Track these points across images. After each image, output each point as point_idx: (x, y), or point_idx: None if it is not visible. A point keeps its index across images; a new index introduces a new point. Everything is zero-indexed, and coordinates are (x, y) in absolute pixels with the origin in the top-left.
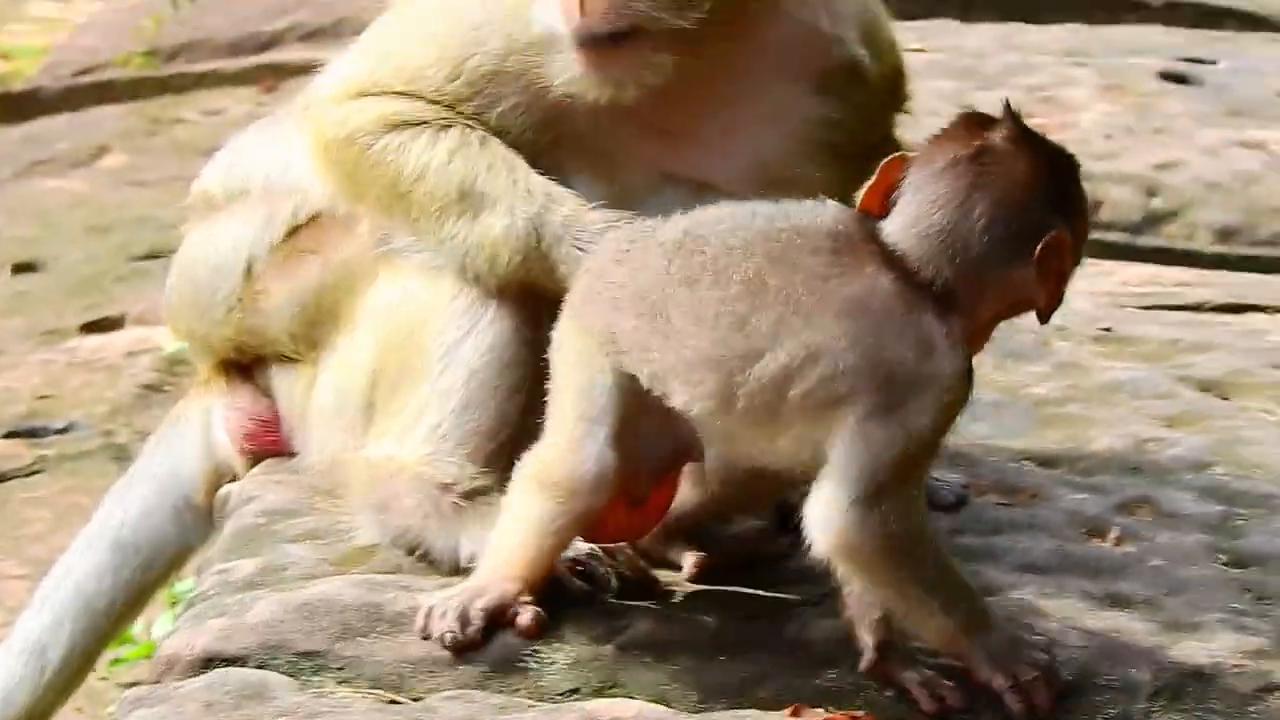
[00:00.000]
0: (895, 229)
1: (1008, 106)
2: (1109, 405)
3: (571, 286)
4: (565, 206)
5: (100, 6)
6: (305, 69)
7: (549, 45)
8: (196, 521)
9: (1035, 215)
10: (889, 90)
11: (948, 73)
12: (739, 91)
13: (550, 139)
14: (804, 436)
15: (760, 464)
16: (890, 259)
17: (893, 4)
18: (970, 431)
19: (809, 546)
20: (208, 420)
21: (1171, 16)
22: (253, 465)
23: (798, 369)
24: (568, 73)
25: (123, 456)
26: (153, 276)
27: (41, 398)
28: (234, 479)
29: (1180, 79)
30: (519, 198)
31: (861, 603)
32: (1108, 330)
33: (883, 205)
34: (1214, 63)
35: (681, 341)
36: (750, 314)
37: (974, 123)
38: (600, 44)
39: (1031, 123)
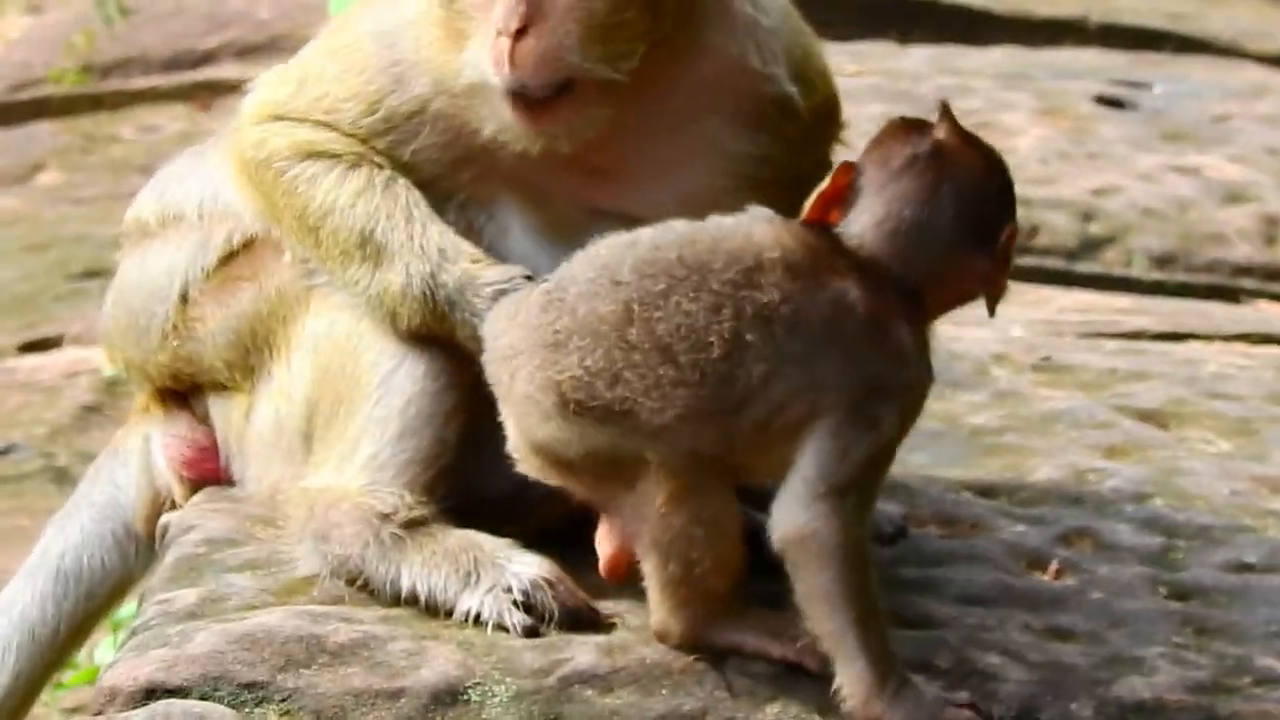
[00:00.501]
0: (861, 229)
1: (945, 107)
2: (1048, 435)
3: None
4: (459, 265)
5: (32, 22)
6: (240, 86)
7: (479, 94)
8: (138, 550)
9: (995, 206)
10: (821, 122)
11: (883, 96)
12: (669, 128)
13: (474, 174)
14: (785, 454)
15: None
16: (854, 264)
17: (832, 25)
18: (909, 461)
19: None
20: (146, 448)
21: (1109, 39)
22: (192, 493)
23: (783, 403)
24: (499, 122)
25: (63, 479)
26: (90, 296)
27: None
28: (174, 507)
29: (1117, 103)
30: (414, 255)
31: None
32: (1046, 359)
33: (833, 214)
34: (1150, 86)
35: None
36: (735, 369)
37: (912, 126)
38: (533, 99)
39: None
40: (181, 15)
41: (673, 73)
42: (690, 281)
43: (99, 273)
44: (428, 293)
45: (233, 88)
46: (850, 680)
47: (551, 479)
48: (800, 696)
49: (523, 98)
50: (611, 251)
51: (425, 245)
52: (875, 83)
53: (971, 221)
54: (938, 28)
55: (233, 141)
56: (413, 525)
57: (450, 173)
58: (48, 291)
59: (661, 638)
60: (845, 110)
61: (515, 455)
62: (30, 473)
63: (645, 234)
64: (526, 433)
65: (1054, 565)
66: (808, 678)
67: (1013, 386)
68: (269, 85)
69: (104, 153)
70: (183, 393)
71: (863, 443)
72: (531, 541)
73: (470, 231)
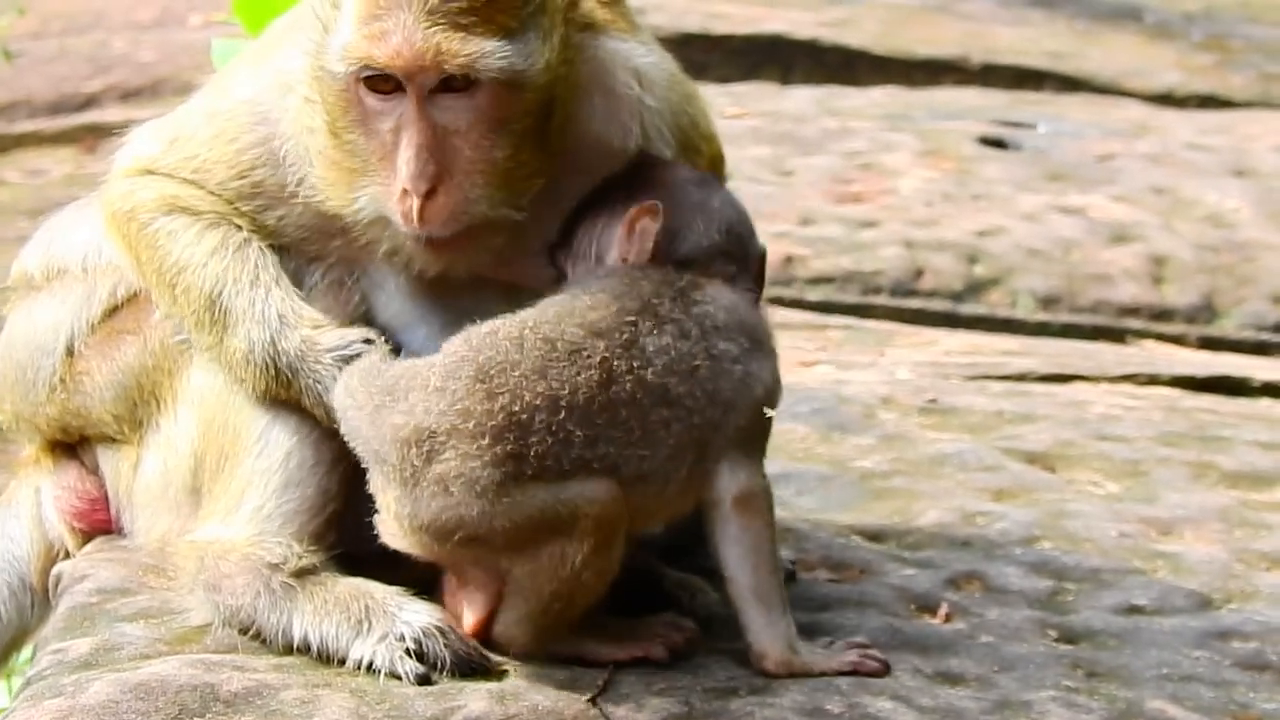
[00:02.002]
0: (691, 247)
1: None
2: (936, 478)
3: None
4: (299, 331)
5: None
6: (124, 129)
7: (376, 224)
8: (32, 602)
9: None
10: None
11: (766, 138)
12: (556, 214)
13: (344, 244)
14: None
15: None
16: (696, 271)
17: (711, 67)
18: (798, 505)
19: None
20: (37, 499)
21: (990, 78)
22: (84, 543)
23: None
24: (396, 247)
25: None
26: None
27: None
28: (67, 557)
29: (999, 143)
30: (255, 321)
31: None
32: (933, 402)
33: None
34: (1033, 126)
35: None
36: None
37: (657, 163)
38: (437, 240)
39: (851, 190)
40: (65, 58)
41: (560, 169)
42: (647, 319)
43: None
44: (268, 360)
45: (117, 130)
46: (770, 637)
47: (427, 553)
48: None
49: (427, 239)
50: (544, 327)
51: (266, 311)
52: (757, 125)
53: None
54: (817, 67)
55: (103, 193)
56: (303, 574)
57: (319, 240)
58: None
59: (505, 643)
60: (728, 155)
61: (390, 532)
62: None
63: (572, 302)
64: (424, 513)
65: (943, 609)
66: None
67: (900, 429)
68: (142, 140)
69: None
70: (72, 444)
71: (771, 404)
72: (422, 587)
73: (339, 288)
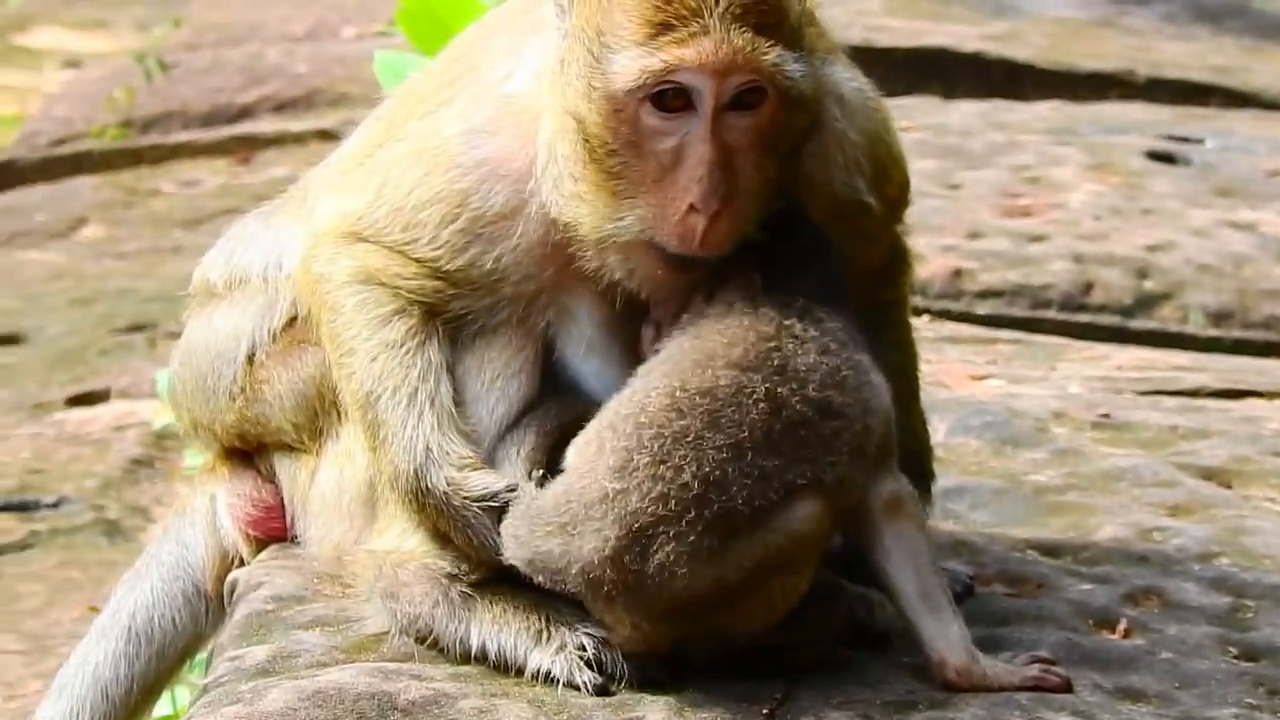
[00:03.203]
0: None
1: None
2: (1111, 493)
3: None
4: (445, 471)
5: (72, 76)
6: (278, 140)
7: (624, 247)
8: (208, 609)
9: None
10: (894, 208)
11: (933, 152)
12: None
13: (556, 269)
14: None
15: None
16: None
17: (875, 81)
18: (972, 519)
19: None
20: (213, 507)
21: (1156, 93)
22: (259, 551)
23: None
24: (629, 269)
25: (113, 531)
26: (135, 349)
27: (32, 472)
28: (241, 564)
29: (1168, 158)
30: (402, 448)
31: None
32: (1106, 416)
33: None
34: (1201, 141)
35: None
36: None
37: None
38: (691, 261)
39: (1019, 204)
40: (219, 69)
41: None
42: (789, 341)
43: (143, 327)
44: (411, 493)
45: (271, 141)
46: (946, 642)
47: (677, 633)
48: None
49: (683, 259)
50: (694, 382)
51: (415, 441)
52: (924, 138)
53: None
54: (981, 82)
55: (307, 247)
56: (481, 584)
57: (534, 267)
58: (93, 346)
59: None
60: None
61: (628, 641)
62: (81, 526)
63: (704, 346)
64: (658, 606)
65: (1122, 625)
66: None
67: (1073, 444)
68: (346, 190)
69: (145, 207)
70: (248, 452)
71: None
72: None
73: (524, 323)
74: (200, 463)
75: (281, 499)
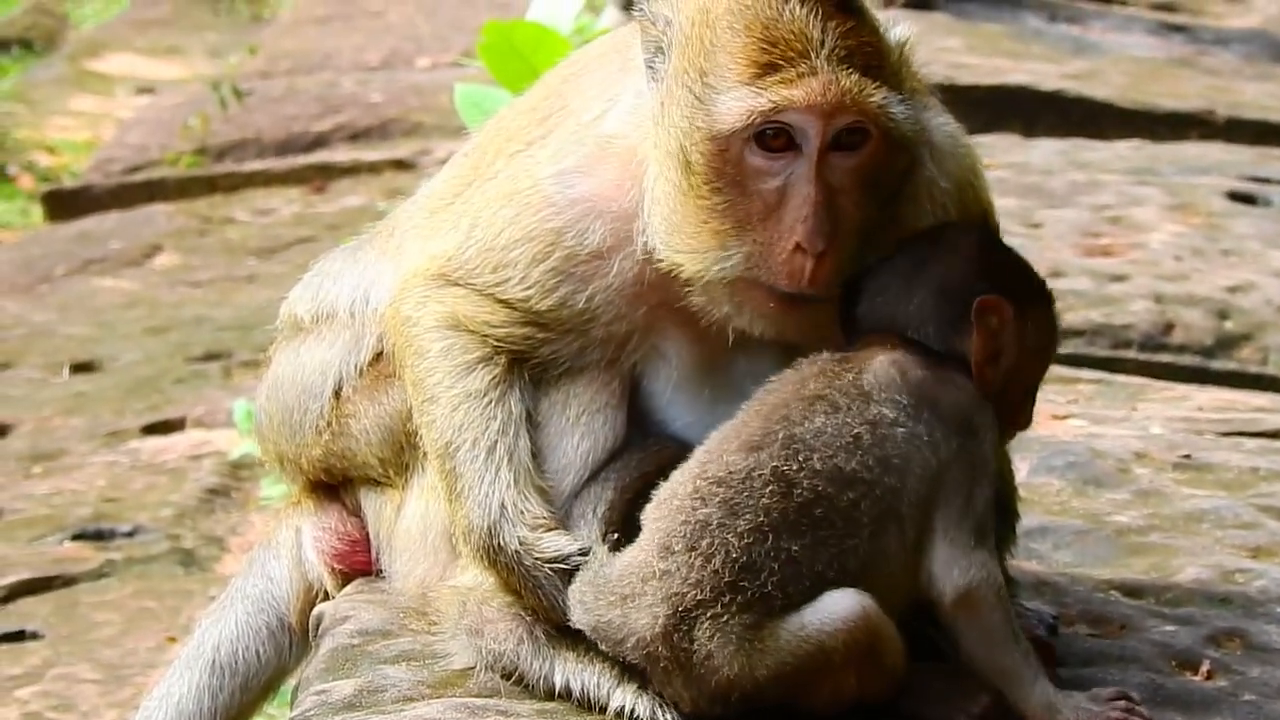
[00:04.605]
0: (881, 315)
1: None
2: (1193, 534)
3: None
4: (518, 530)
5: (146, 102)
6: (353, 169)
7: (730, 287)
8: (292, 642)
9: (964, 276)
10: None
11: (1014, 190)
12: None
13: (649, 307)
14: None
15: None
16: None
17: (955, 119)
18: (1055, 559)
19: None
20: (298, 540)
21: (1235, 133)
22: (343, 584)
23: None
24: (737, 309)
25: (189, 561)
26: (210, 378)
27: (107, 500)
28: (326, 598)
29: (1248, 199)
30: (477, 504)
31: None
32: (1187, 457)
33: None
34: None
35: None
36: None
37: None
38: (800, 301)
39: (1100, 243)
40: (293, 98)
41: None
42: (796, 407)
43: (218, 356)
44: (483, 548)
45: (346, 171)
46: (1036, 708)
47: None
48: None
49: (791, 297)
50: (710, 469)
51: (491, 497)
52: (1004, 176)
53: (939, 289)
54: (1061, 120)
55: (397, 288)
56: (566, 623)
57: (628, 306)
58: (169, 374)
59: None
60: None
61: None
62: (156, 555)
63: (729, 427)
64: (707, 688)
65: (1205, 666)
66: None
67: (1155, 485)
68: (435, 231)
69: (219, 235)
70: (334, 485)
71: (981, 487)
72: None
73: (613, 366)
74: (284, 495)
75: (366, 533)
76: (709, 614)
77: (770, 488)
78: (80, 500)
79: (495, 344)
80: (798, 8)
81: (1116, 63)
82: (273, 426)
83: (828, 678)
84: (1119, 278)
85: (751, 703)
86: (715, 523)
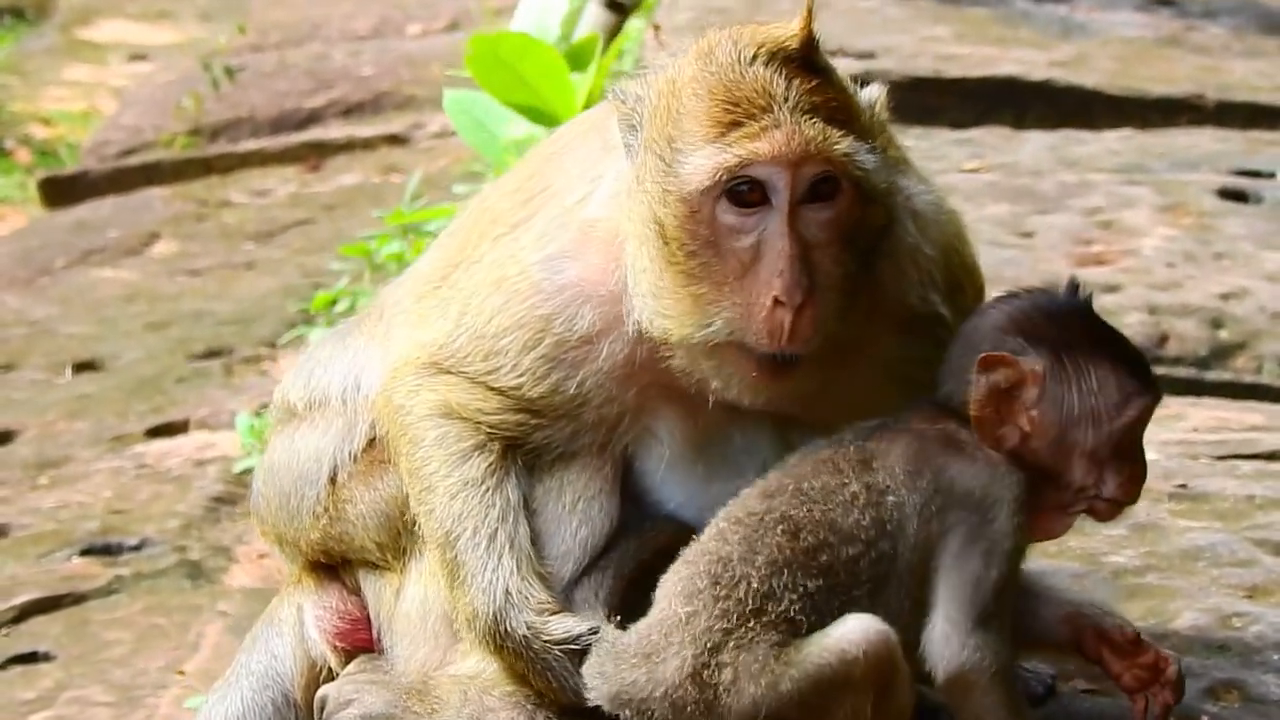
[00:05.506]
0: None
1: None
2: (1190, 574)
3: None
4: (524, 614)
5: (139, 71)
6: (347, 146)
7: (713, 352)
8: (297, 717)
9: (978, 338)
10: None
11: (1005, 194)
12: (841, 352)
13: (640, 388)
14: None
15: None
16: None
17: (945, 111)
18: None
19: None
20: (300, 618)
21: (1226, 118)
22: (347, 661)
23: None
24: (723, 376)
25: (196, 574)
26: (212, 377)
27: (114, 512)
28: (330, 675)
29: (1239, 195)
30: (481, 591)
31: None
32: (1183, 486)
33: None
34: (1272, 175)
35: None
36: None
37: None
38: (781, 361)
39: (1092, 251)
40: (285, 73)
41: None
42: (806, 464)
43: (219, 353)
44: (490, 635)
45: (340, 148)
46: None
47: None
48: None
49: (774, 360)
50: (735, 511)
51: (495, 584)
52: (995, 179)
53: (959, 352)
54: (1051, 109)
55: (388, 378)
56: (567, 711)
57: (618, 388)
58: (170, 373)
59: None
60: (967, 214)
61: None
62: (165, 569)
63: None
64: (758, 695)
65: None
66: None
67: (1151, 518)
68: (423, 318)
69: (216, 219)
70: (333, 565)
71: (990, 567)
72: None
73: (603, 450)
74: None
75: (368, 612)
76: (735, 638)
77: (780, 528)
78: (87, 513)
79: (489, 431)
80: (761, 69)
81: (1105, 45)
82: (271, 510)
83: (848, 696)
84: (1112, 288)
85: None
86: (736, 558)
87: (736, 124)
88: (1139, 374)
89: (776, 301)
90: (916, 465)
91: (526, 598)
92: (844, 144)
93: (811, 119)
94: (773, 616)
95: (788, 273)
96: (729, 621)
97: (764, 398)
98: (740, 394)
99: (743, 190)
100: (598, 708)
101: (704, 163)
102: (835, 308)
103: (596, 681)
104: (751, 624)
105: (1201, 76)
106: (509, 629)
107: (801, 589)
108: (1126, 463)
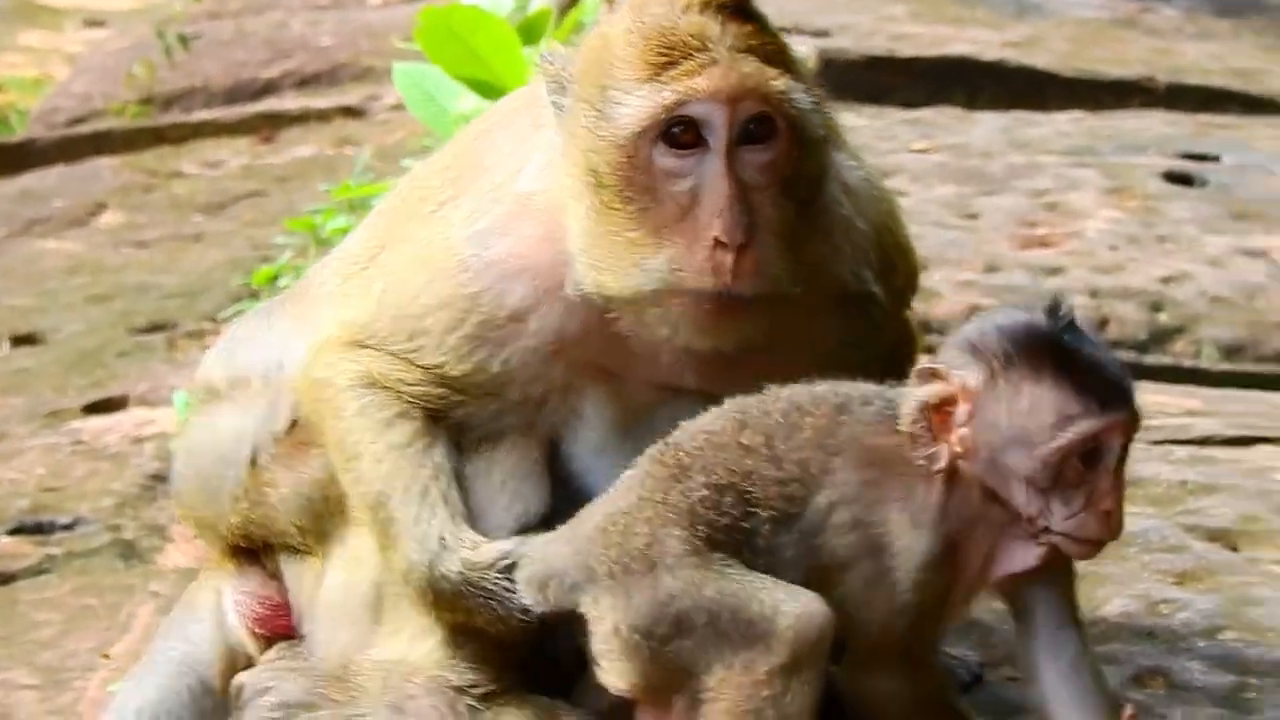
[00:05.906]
0: None
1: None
2: (1121, 559)
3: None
4: (458, 554)
5: (94, 37)
6: (302, 118)
7: (659, 298)
8: (214, 706)
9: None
10: (901, 297)
11: (953, 175)
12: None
13: (566, 364)
14: None
15: None
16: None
17: (897, 90)
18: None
19: None
20: (219, 603)
21: (1177, 101)
22: (266, 647)
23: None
24: (672, 323)
25: (130, 554)
26: (155, 351)
27: (47, 490)
28: (248, 661)
29: (1185, 179)
30: (415, 542)
31: None
32: None
33: None
34: (1217, 159)
35: None
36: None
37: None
38: (730, 302)
39: (1037, 234)
40: (242, 41)
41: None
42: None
43: (163, 326)
44: (426, 583)
45: (295, 119)
46: None
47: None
48: None
49: (719, 298)
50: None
51: (429, 532)
52: (944, 160)
53: None
54: (1003, 90)
55: (309, 358)
56: (489, 697)
57: (545, 370)
58: (111, 347)
59: None
60: (913, 195)
61: (610, 663)
62: (98, 548)
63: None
64: (636, 606)
65: (1128, 710)
66: None
67: None
68: (348, 298)
69: (166, 190)
70: (254, 549)
71: (901, 601)
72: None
73: (529, 430)
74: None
75: (288, 597)
76: (646, 515)
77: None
78: (19, 491)
79: (409, 400)
80: (695, 14)
81: (1060, 25)
82: (190, 492)
83: (759, 650)
84: (1055, 270)
85: (674, 657)
86: (686, 450)
87: (672, 63)
88: (1092, 398)
89: (717, 242)
90: (856, 493)
91: (460, 539)
92: (780, 82)
93: (748, 57)
94: (701, 527)
95: (728, 213)
96: (652, 496)
97: (709, 341)
98: (686, 336)
99: (678, 132)
100: (530, 680)
101: (640, 102)
102: (775, 252)
103: (525, 572)
104: (672, 516)
105: (1153, 59)
106: (444, 572)
107: (728, 515)
108: (1077, 494)
